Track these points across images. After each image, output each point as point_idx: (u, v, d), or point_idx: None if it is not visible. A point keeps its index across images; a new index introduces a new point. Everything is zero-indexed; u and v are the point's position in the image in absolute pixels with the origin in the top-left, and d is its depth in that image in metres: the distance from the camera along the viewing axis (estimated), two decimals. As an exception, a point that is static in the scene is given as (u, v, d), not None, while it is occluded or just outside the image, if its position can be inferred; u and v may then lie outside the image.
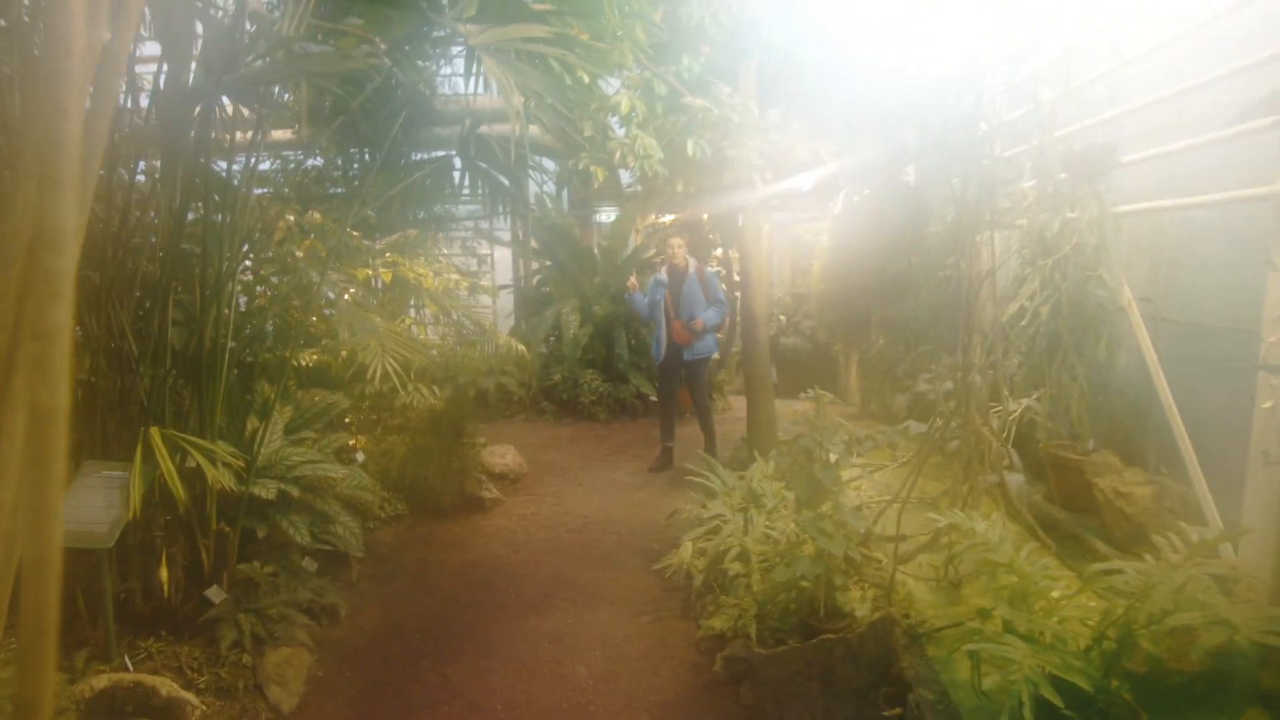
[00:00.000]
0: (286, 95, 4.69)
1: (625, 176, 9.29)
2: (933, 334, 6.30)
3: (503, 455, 5.63)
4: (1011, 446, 3.62)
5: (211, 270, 2.96)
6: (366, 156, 5.80)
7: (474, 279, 7.27)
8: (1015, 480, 3.15)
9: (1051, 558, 2.99)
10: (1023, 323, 3.56)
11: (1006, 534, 2.38)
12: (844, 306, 8.45)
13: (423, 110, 4.69)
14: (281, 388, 3.98)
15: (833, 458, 2.78)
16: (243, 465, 3.10)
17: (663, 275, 5.79)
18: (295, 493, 3.32)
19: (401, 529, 4.61)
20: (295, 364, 4.88)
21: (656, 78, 4.29)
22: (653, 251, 8.80)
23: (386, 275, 5.71)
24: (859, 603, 2.79)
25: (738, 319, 8.91)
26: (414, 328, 6.00)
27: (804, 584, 2.82)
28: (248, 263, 4.58)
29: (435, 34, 3.72)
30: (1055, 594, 2.23)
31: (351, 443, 5.35)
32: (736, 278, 8.82)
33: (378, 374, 3.92)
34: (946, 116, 3.08)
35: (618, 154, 4.17)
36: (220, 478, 2.78)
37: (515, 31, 2.82)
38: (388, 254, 5.46)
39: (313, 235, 4.84)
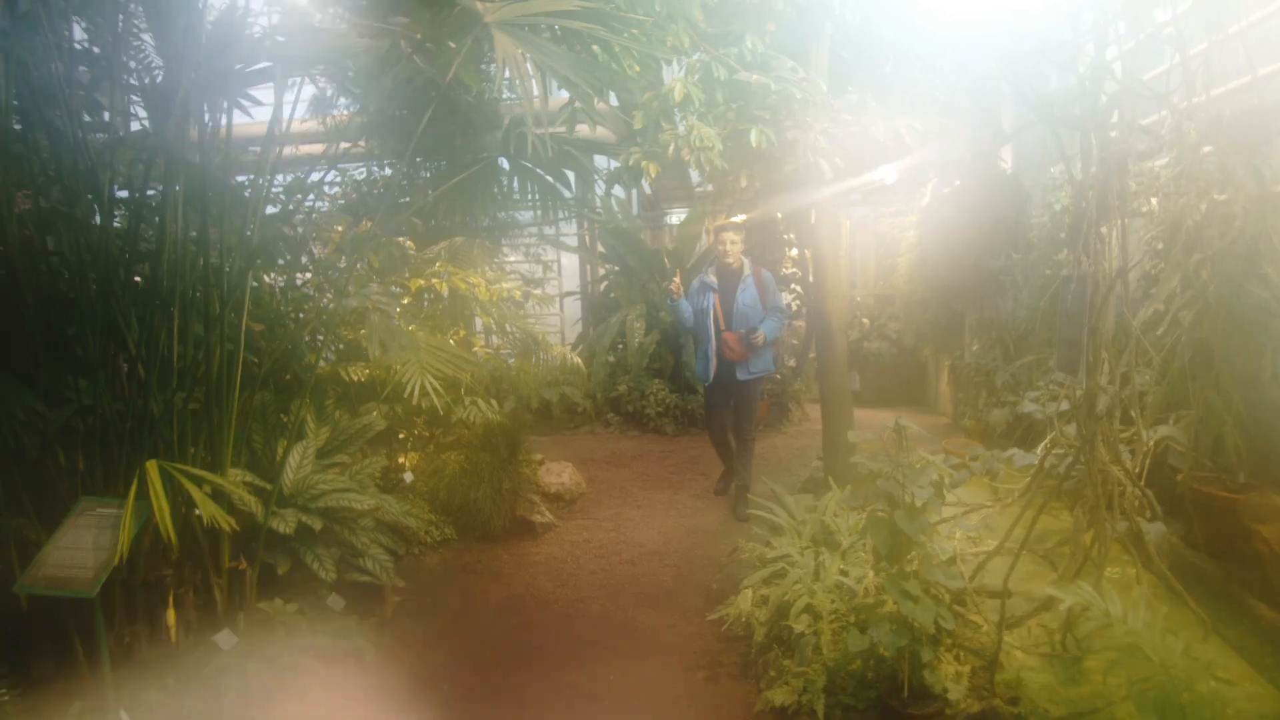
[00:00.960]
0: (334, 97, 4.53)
1: (695, 175, 8.88)
2: (1036, 339, 5.60)
3: (559, 474, 5.30)
4: (1144, 482, 3.00)
5: (216, 283, 2.72)
6: (431, 169, 5.63)
7: (528, 288, 6.97)
8: (1155, 530, 2.55)
9: (1213, 639, 2.37)
10: (1158, 331, 2.94)
11: (1154, 614, 1.83)
12: (934, 308, 7.76)
13: (470, 112, 4.44)
14: (310, 407, 3.77)
15: (919, 501, 2.28)
16: (251, 495, 2.85)
17: (710, 277, 4.74)
18: (318, 525, 3.06)
19: (448, 555, 4.34)
20: (346, 379, 4.69)
21: (716, 61, 3.85)
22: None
23: (441, 286, 5.49)
24: (953, 680, 2.28)
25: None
26: (470, 339, 5.76)
27: (883, 653, 2.34)
28: (305, 276, 4.46)
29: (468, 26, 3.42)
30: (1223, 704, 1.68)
31: (401, 460, 5.14)
32: (812, 280, 8.26)
33: (415, 391, 3.65)
34: (1060, 81, 2.52)
35: (671, 147, 3.76)
36: (219, 515, 2.52)
37: (538, 5, 2.45)
38: (439, 263, 5.23)
39: (361, 246, 4.64)
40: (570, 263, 9.90)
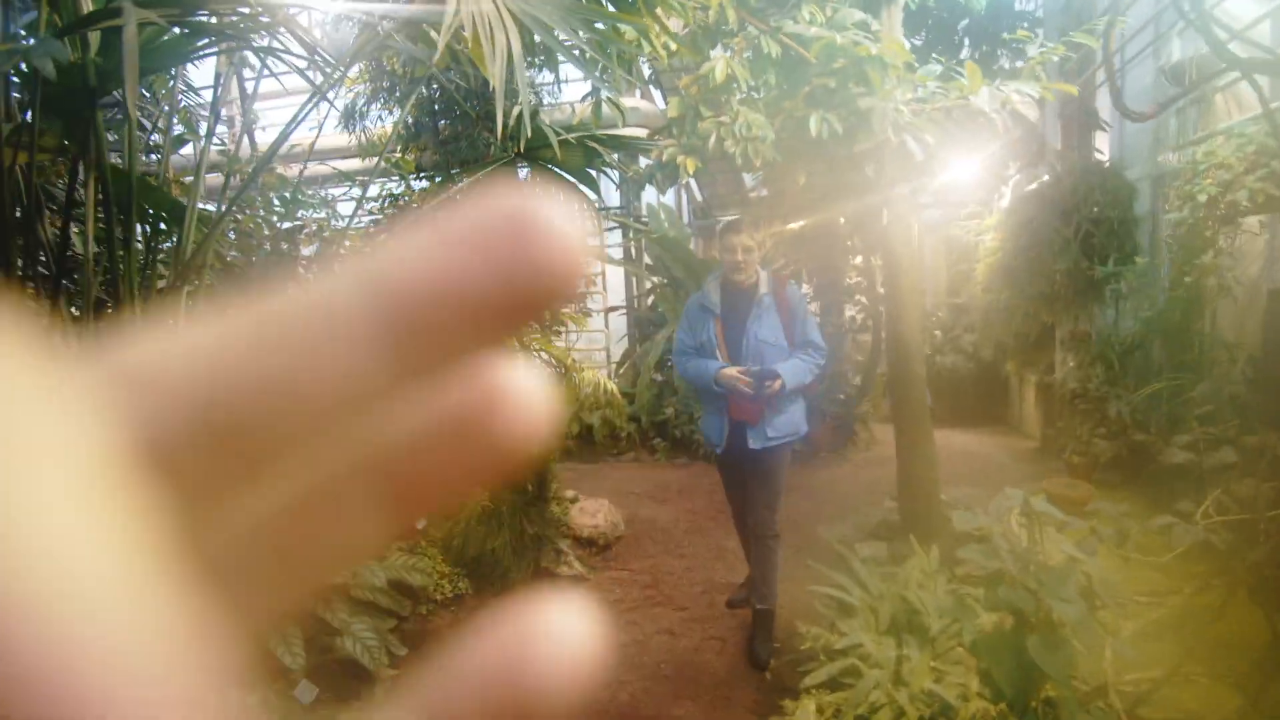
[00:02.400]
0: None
1: (749, 179, 8.24)
2: (1154, 359, 4.74)
3: (594, 514, 4.70)
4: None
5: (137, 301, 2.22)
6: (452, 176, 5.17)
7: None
8: None
9: None
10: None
11: None
12: (1019, 319, 6.92)
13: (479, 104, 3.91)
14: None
15: (1063, 616, 1.58)
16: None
17: (709, 295, 3.22)
18: (279, 603, 2.52)
19: (462, 615, 3.78)
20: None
21: (766, 35, 3.21)
22: (780, 263, 7.64)
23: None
24: None
25: (882, 335, 7.57)
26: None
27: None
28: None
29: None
30: None
31: (415, 502, 4.63)
32: (881, 289, 7.49)
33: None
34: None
35: (713, 138, 3.14)
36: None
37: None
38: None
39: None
40: (616, 276, 9.34)
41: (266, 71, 2.85)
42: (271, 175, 4.18)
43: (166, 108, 3.17)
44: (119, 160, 2.37)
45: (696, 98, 3.26)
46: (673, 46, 3.06)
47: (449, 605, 3.84)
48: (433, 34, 2.10)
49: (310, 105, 2.18)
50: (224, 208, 2.19)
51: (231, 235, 3.52)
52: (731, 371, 3.05)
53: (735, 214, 9.05)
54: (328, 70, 2.70)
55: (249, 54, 3.23)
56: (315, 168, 7.17)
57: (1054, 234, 5.66)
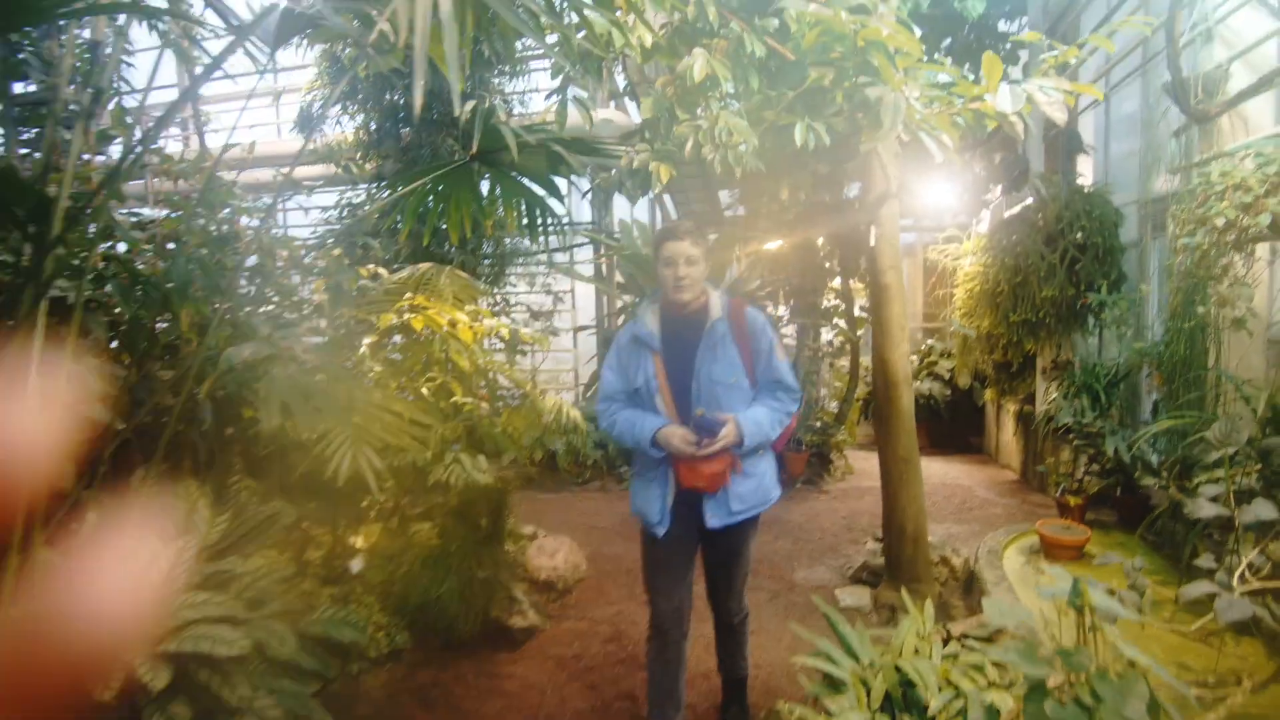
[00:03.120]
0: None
1: (725, 196, 7.96)
2: (1147, 392, 4.51)
3: (553, 554, 4.31)
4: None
5: None
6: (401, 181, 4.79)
7: (520, 325, 6.07)
8: None
9: None
10: None
11: None
12: (1001, 346, 6.72)
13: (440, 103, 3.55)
14: (207, 486, 2.86)
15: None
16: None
17: (645, 324, 2.44)
18: (161, 680, 2.10)
19: (397, 674, 3.36)
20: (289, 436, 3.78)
21: (749, 33, 2.90)
22: (756, 284, 7.35)
23: (418, 323, 4.59)
24: None
25: (862, 363, 7.31)
26: (451, 387, 4.82)
27: None
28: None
29: None
30: None
31: (353, 540, 4.18)
32: (860, 313, 7.23)
33: (343, 470, 2.74)
34: None
35: (690, 143, 2.81)
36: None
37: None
38: (408, 295, 4.31)
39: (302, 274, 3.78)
40: (586, 294, 8.99)
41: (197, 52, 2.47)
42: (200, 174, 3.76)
43: (90, 93, 2.76)
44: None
45: (673, 99, 2.94)
46: (648, 41, 2.74)
47: (384, 663, 3.40)
48: (385, 25, 1.72)
49: (209, 73, 1.79)
50: (94, 201, 1.80)
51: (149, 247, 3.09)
52: (676, 431, 2.28)
53: (710, 233, 8.75)
54: (251, 46, 2.31)
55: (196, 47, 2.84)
56: (260, 174, 6.73)
57: (1039, 259, 5.44)
